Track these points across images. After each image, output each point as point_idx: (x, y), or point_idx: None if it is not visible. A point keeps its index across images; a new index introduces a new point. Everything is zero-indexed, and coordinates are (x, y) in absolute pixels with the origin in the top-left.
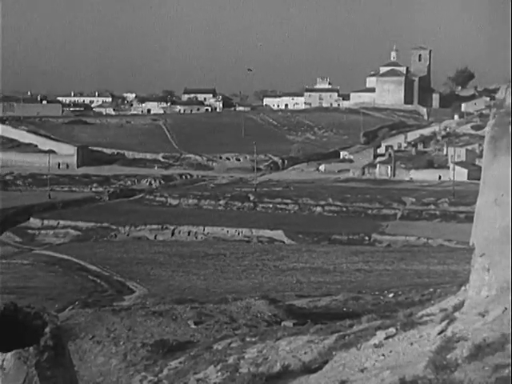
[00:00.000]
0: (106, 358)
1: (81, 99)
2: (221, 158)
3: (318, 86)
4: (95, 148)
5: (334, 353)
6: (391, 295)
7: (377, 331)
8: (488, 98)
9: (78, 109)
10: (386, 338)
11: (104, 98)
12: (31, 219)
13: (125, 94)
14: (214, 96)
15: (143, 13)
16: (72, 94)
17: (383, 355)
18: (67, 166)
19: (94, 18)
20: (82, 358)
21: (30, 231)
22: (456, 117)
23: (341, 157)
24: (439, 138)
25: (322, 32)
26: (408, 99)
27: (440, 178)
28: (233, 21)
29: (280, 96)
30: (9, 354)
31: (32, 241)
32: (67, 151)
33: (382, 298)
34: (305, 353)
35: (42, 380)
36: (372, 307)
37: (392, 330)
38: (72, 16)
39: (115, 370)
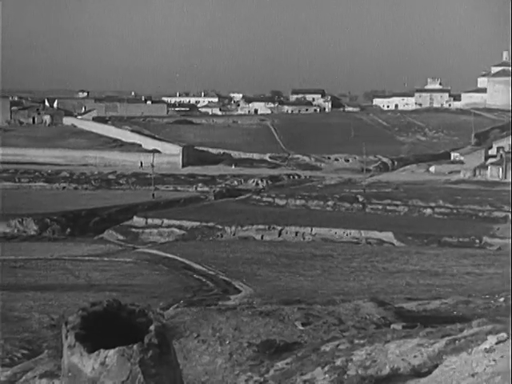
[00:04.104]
0: (212, 357)
1: (186, 99)
2: (329, 158)
3: (428, 87)
4: (201, 148)
5: (443, 357)
6: (502, 299)
7: (487, 336)
8: None
9: (183, 109)
10: (497, 343)
11: (210, 99)
12: (135, 218)
13: (231, 94)
14: (322, 96)
15: (256, 14)
16: (177, 95)
17: (494, 360)
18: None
19: (208, 24)
20: (186, 357)
21: (133, 230)
22: None
23: (451, 158)
24: None
25: (434, 32)
26: None
27: None
28: (341, 21)
29: (390, 96)
30: (111, 351)
31: (136, 239)
32: (172, 151)
33: (492, 301)
34: (414, 356)
35: (147, 377)
36: (482, 311)
37: (503, 334)
38: (188, 18)
39: (220, 370)
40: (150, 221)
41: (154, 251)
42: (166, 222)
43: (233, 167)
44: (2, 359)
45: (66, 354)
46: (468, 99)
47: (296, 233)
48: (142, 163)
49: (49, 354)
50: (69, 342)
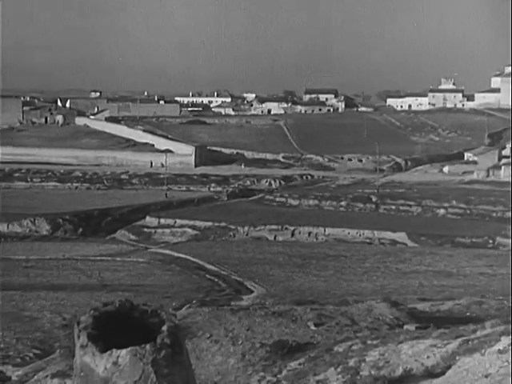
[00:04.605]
0: (224, 358)
1: (199, 99)
2: (342, 158)
3: (442, 87)
4: (214, 148)
5: (457, 358)
6: None
7: (501, 336)
8: None
9: (196, 109)
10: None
11: (223, 99)
12: (147, 218)
13: (244, 95)
14: (335, 96)
15: (270, 14)
16: (190, 95)
17: (507, 362)
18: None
19: (213, 21)
20: (199, 357)
21: (146, 230)
22: None
23: (465, 158)
24: None
25: (448, 32)
26: None
27: None
28: (355, 21)
29: (403, 96)
30: (124, 351)
31: (148, 239)
32: (185, 151)
33: (505, 302)
34: (427, 357)
35: (159, 377)
36: (496, 312)
37: None
38: (202, 18)
39: (233, 370)
40: (162, 221)
41: (167, 251)
42: (178, 222)
43: (242, 167)
44: (14, 359)
45: (78, 354)
46: (481, 99)
47: (309, 233)
48: (152, 163)
49: (61, 354)
50: (81, 341)
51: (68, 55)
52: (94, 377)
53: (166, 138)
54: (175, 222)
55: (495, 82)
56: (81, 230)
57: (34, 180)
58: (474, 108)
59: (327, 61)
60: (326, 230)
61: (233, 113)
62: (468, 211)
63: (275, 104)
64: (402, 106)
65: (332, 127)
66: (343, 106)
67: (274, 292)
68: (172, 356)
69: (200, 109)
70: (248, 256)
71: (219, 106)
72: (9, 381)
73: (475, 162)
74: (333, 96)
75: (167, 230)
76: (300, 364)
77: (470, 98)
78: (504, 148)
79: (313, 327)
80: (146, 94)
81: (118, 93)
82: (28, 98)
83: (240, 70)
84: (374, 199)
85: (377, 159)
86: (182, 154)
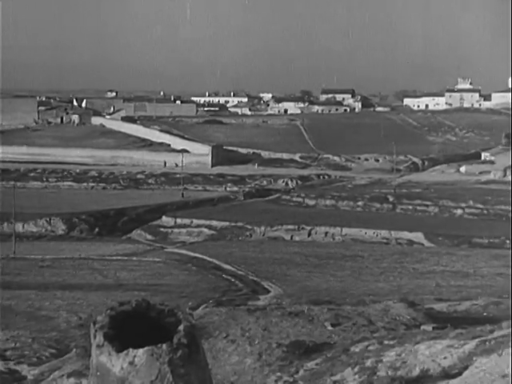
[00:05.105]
0: (241, 357)
1: (216, 99)
2: (359, 158)
3: (459, 87)
4: (230, 148)
5: (474, 358)
6: None
7: None
8: None
9: (212, 109)
10: None
11: (240, 98)
12: (163, 217)
13: (261, 94)
14: (352, 96)
15: (288, 13)
16: (207, 94)
17: None
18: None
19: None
20: (215, 357)
21: (162, 229)
22: None
23: (482, 158)
24: None
25: (463, 32)
26: None
27: None
28: (372, 21)
29: (420, 96)
30: (140, 351)
31: (164, 239)
32: (201, 151)
33: None
34: (444, 357)
35: (175, 377)
36: None
37: None
38: (218, 18)
39: (250, 370)
40: (179, 220)
41: (183, 251)
42: (195, 221)
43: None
44: (30, 358)
45: (94, 354)
46: (498, 99)
47: (326, 233)
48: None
49: (77, 354)
50: (97, 341)
51: (82, 54)
52: (111, 376)
53: (183, 137)
54: (191, 222)
55: None
56: (97, 229)
57: (50, 180)
58: (490, 108)
59: (345, 61)
60: (343, 230)
61: (249, 113)
62: (485, 211)
63: (292, 104)
64: (418, 106)
65: (349, 127)
66: (360, 105)
67: (290, 292)
68: (189, 356)
69: (216, 109)
70: (265, 256)
71: (236, 106)
72: (24, 380)
73: (492, 162)
74: (349, 96)
75: (183, 230)
76: (317, 364)
77: (487, 97)
78: None
79: (330, 327)
80: (162, 93)
81: (134, 93)
82: (44, 98)
83: (256, 70)
84: (390, 199)
85: (394, 159)
86: (199, 154)
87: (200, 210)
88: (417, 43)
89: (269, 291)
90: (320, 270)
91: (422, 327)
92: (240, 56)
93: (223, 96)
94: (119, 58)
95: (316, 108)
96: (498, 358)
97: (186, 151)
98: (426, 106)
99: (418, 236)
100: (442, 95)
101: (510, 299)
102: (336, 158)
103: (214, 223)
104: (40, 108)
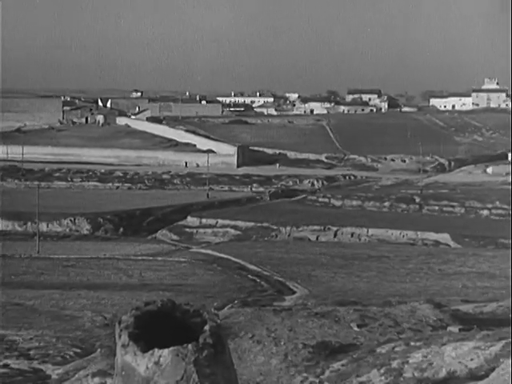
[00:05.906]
0: (267, 358)
1: (241, 99)
2: (385, 159)
3: (485, 87)
4: (256, 148)
5: (501, 360)
6: None
7: None
8: None
9: (238, 109)
10: None
11: (266, 99)
12: (189, 218)
13: (287, 94)
14: (379, 96)
15: (315, 13)
16: (232, 95)
17: None
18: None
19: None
20: (241, 357)
21: (187, 230)
22: None
23: (509, 159)
24: None
25: (489, 32)
26: None
27: None
28: (399, 20)
29: (447, 96)
30: (166, 351)
31: (190, 239)
32: (227, 151)
33: None
34: (471, 359)
35: (201, 377)
36: None
37: None
38: (245, 17)
39: (275, 370)
40: (204, 221)
41: (209, 251)
42: (220, 222)
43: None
44: (54, 357)
45: (119, 353)
46: None
47: (352, 234)
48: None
49: (102, 353)
50: (122, 341)
51: (106, 54)
52: (136, 376)
53: (208, 138)
54: (217, 222)
55: None
56: (122, 229)
57: (74, 180)
58: None
59: (371, 61)
60: (369, 230)
61: (275, 113)
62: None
63: (318, 104)
64: (445, 106)
65: (375, 127)
66: (386, 106)
67: (316, 292)
68: (214, 356)
69: (242, 109)
70: (290, 256)
71: (261, 106)
72: (48, 379)
73: None
74: (376, 96)
75: (209, 230)
76: (343, 365)
77: None
78: None
79: (356, 328)
80: (187, 93)
81: (160, 93)
82: (68, 98)
83: (283, 70)
84: (417, 200)
85: (420, 159)
86: (224, 154)
87: (225, 211)
88: (439, 44)
89: (294, 292)
90: (346, 270)
91: (449, 328)
92: (266, 56)
93: (249, 96)
94: (141, 58)
95: (342, 108)
96: None
97: (212, 151)
98: (453, 106)
99: (444, 237)
100: (469, 95)
101: None
102: (362, 159)
103: (240, 223)
104: (65, 108)
